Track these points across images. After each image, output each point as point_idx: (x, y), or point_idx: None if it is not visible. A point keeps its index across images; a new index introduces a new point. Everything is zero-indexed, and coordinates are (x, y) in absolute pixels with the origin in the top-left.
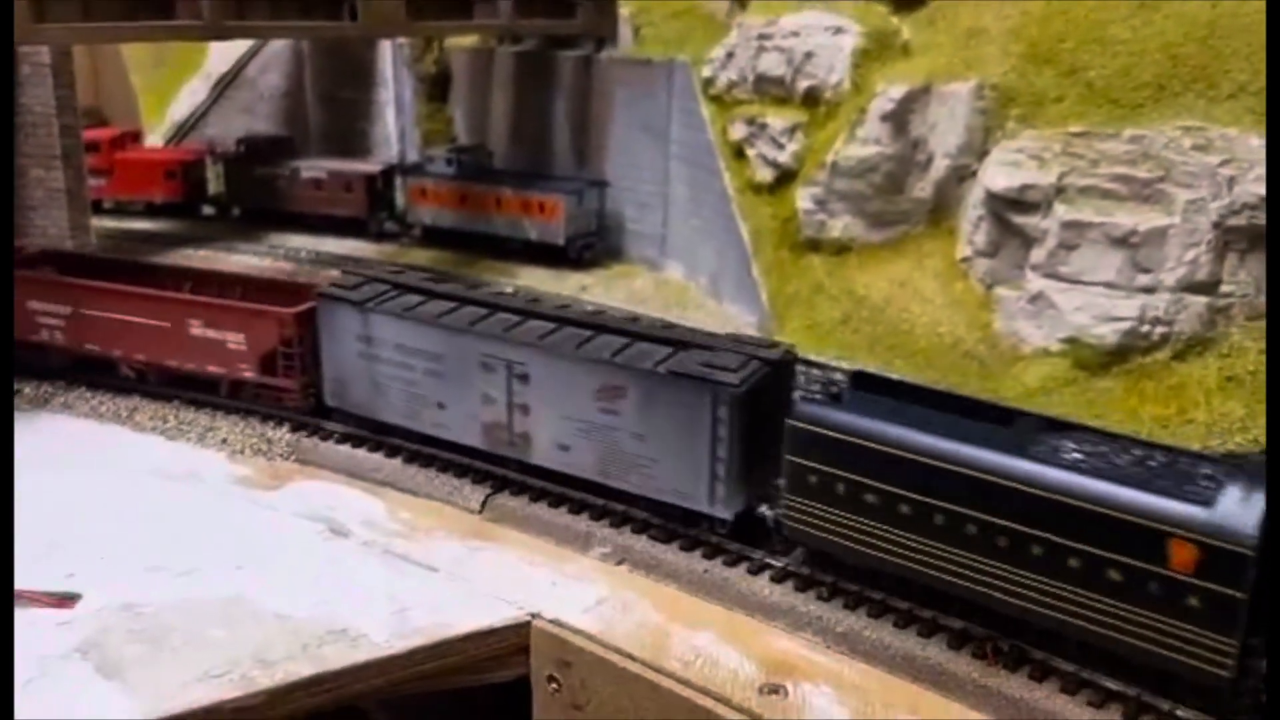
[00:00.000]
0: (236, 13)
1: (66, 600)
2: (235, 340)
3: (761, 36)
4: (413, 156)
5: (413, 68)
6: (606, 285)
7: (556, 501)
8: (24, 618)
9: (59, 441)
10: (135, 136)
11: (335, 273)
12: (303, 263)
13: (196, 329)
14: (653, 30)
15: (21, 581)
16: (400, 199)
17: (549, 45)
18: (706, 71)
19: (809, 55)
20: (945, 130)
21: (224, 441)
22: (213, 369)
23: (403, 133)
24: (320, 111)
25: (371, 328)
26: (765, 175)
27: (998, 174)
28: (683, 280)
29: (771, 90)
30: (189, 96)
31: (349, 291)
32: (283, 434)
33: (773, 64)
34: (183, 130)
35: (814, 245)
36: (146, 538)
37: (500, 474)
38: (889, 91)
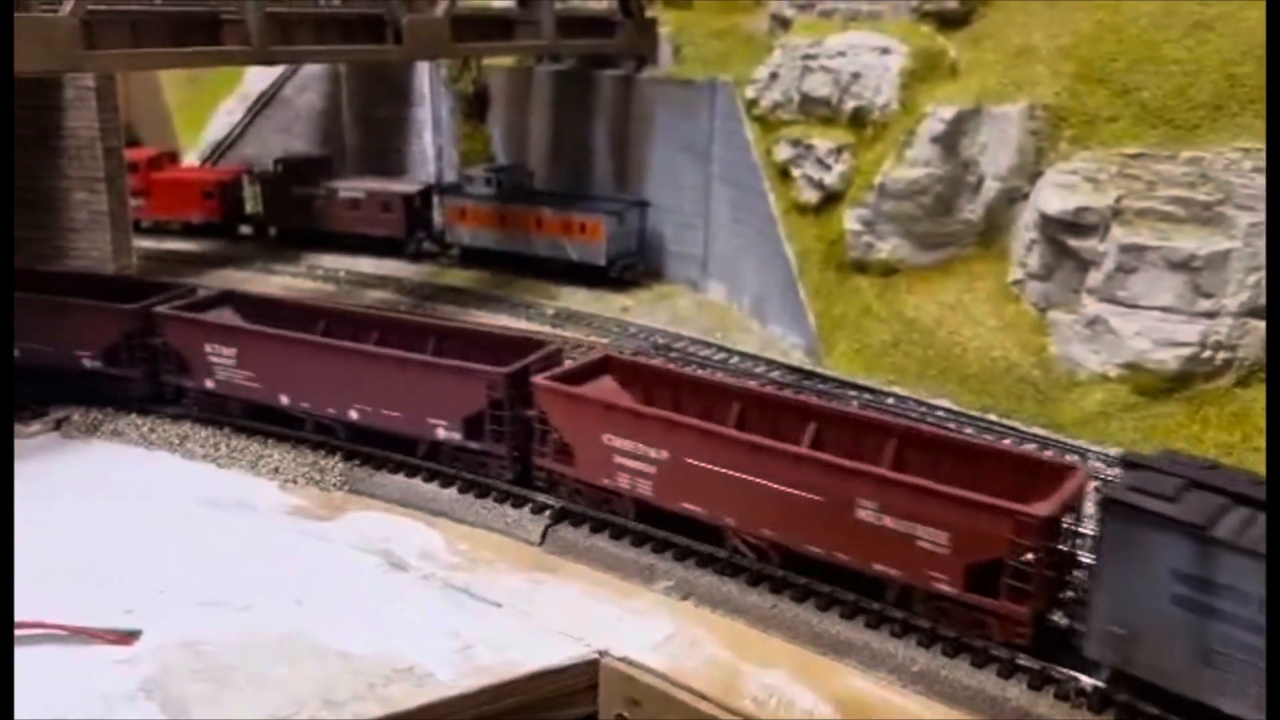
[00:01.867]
0: (282, 38)
1: (127, 637)
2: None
3: (806, 57)
4: (450, 176)
5: (450, 87)
6: (648, 306)
7: (618, 533)
8: (84, 654)
9: (109, 469)
10: (172, 157)
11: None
12: (341, 283)
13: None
14: (693, 50)
15: (79, 616)
16: (438, 219)
17: (589, 64)
18: (750, 92)
19: (856, 76)
20: (996, 151)
21: (276, 470)
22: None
23: (440, 151)
24: (357, 130)
25: (1216, 568)
26: (810, 196)
27: (1052, 196)
28: (724, 301)
29: (817, 111)
30: (225, 116)
31: (1166, 503)
32: (335, 463)
33: (818, 85)
34: (219, 150)
35: (861, 267)
36: (202, 570)
37: (559, 505)
38: (939, 112)
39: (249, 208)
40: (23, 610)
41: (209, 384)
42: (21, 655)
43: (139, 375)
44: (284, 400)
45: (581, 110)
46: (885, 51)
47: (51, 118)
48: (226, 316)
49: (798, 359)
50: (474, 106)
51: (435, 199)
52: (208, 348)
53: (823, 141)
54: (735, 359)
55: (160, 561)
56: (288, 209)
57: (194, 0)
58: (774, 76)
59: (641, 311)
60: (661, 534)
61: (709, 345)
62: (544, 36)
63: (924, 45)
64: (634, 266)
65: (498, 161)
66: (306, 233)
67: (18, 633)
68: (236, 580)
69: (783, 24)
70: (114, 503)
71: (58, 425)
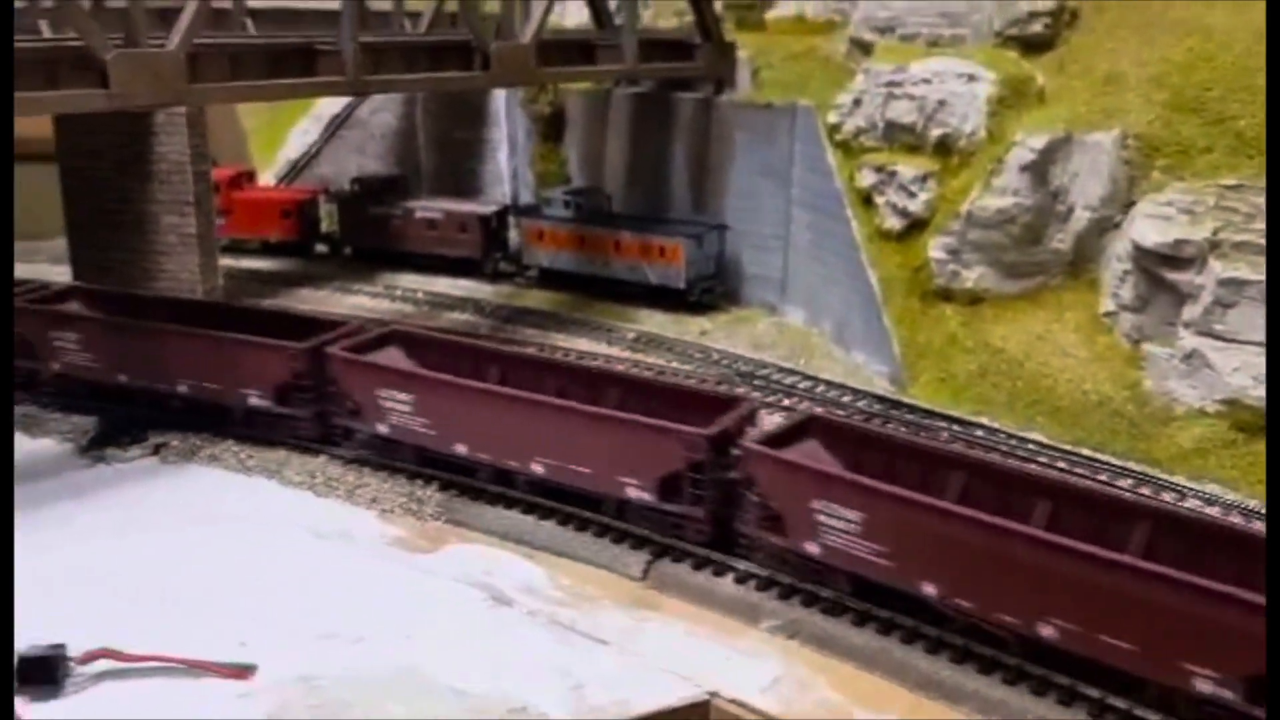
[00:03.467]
0: (374, 67)
1: (244, 671)
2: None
3: (891, 84)
4: (525, 197)
5: (527, 108)
6: (727, 330)
7: (720, 570)
8: (202, 688)
9: (209, 496)
10: (250, 176)
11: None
12: (420, 304)
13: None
14: (771, 73)
15: (193, 648)
16: (514, 240)
17: (666, 87)
18: (833, 117)
19: (942, 103)
20: (1087, 181)
21: (373, 500)
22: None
23: (515, 172)
24: (432, 151)
25: None
26: (894, 223)
27: (1147, 228)
28: (804, 326)
29: (901, 138)
30: (300, 136)
31: None
32: (432, 493)
33: (903, 111)
34: (295, 170)
35: (946, 295)
36: (311, 603)
37: (660, 540)
38: (1029, 141)
39: (325, 227)
40: (138, 641)
41: (382, 429)
42: (138, 688)
43: (308, 415)
44: (461, 450)
45: (659, 133)
46: (972, 79)
47: (144, 143)
48: (396, 357)
49: (882, 387)
50: (550, 128)
51: (511, 220)
52: (382, 392)
53: (907, 168)
54: (821, 387)
55: (268, 592)
56: (364, 228)
57: (289, 29)
58: (857, 102)
59: (720, 335)
60: (764, 572)
61: (793, 372)
62: (625, 61)
63: (1011, 72)
64: (712, 289)
65: (573, 183)
66: (382, 252)
67: (136, 665)
68: (345, 613)
69: (862, 48)
70: (217, 531)
71: (156, 450)
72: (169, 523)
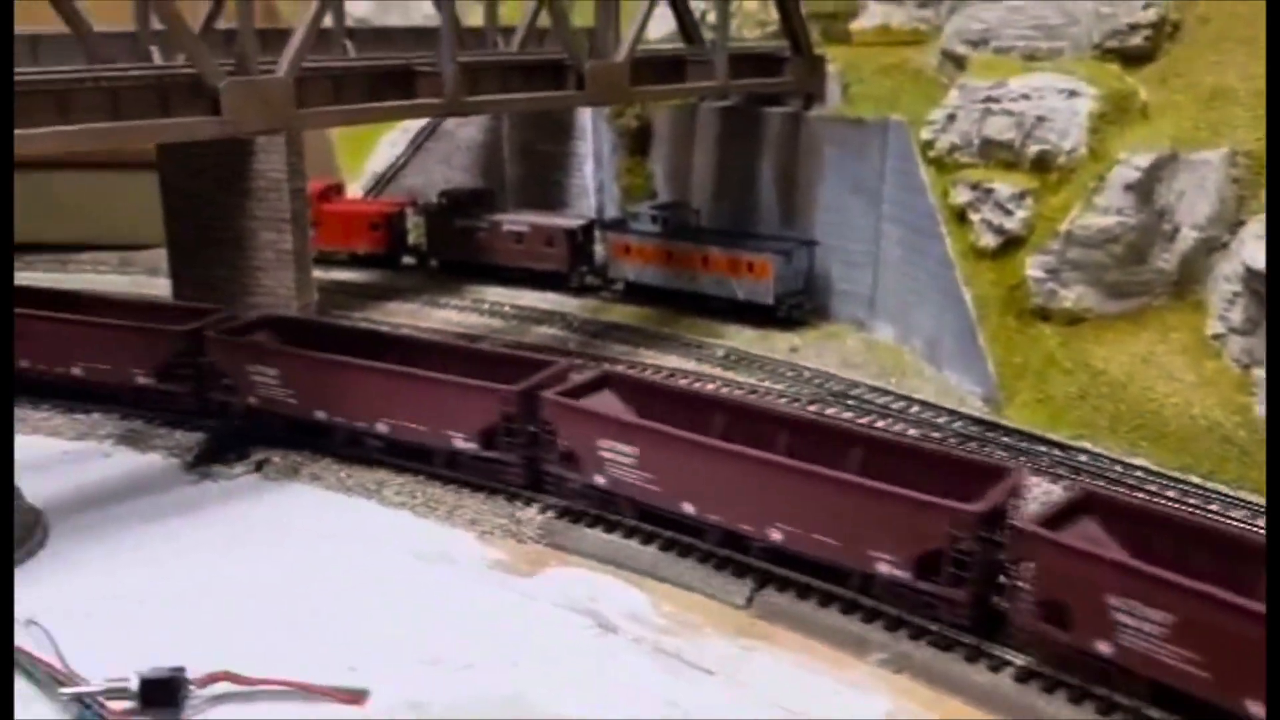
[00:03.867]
0: (471, 88)
1: (357, 696)
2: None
3: (988, 99)
4: (610, 210)
5: (613, 123)
6: (816, 347)
7: (825, 600)
8: (317, 713)
9: (311, 515)
10: (339, 189)
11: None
12: (507, 318)
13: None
14: (862, 87)
15: (303, 671)
16: (600, 253)
17: (754, 101)
18: (926, 133)
19: (1041, 119)
20: (1194, 199)
21: (472, 521)
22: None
23: (600, 186)
24: (517, 163)
25: None
26: (989, 241)
27: (1259, 249)
28: (894, 343)
29: (998, 154)
30: (388, 148)
31: None
32: (532, 515)
33: (1000, 128)
34: (381, 182)
35: (1043, 314)
36: (416, 626)
37: (764, 566)
38: (1133, 159)
39: (412, 239)
40: (250, 663)
41: (600, 480)
42: (255, 711)
43: (517, 462)
44: (689, 509)
45: (747, 147)
46: (1072, 94)
47: (243, 161)
48: (611, 403)
49: (976, 408)
50: (636, 142)
51: (597, 234)
52: (602, 442)
53: (1004, 186)
54: (915, 408)
55: (374, 615)
56: (451, 241)
57: (383, 49)
58: (951, 118)
59: (810, 352)
60: (870, 603)
61: (886, 392)
62: (717, 77)
63: (1114, 87)
64: (801, 305)
65: (659, 197)
66: (469, 265)
67: (254, 689)
68: (450, 637)
69: (954, 61)
70: (321, 550)
71: (259, 467)
72: (274, 541)
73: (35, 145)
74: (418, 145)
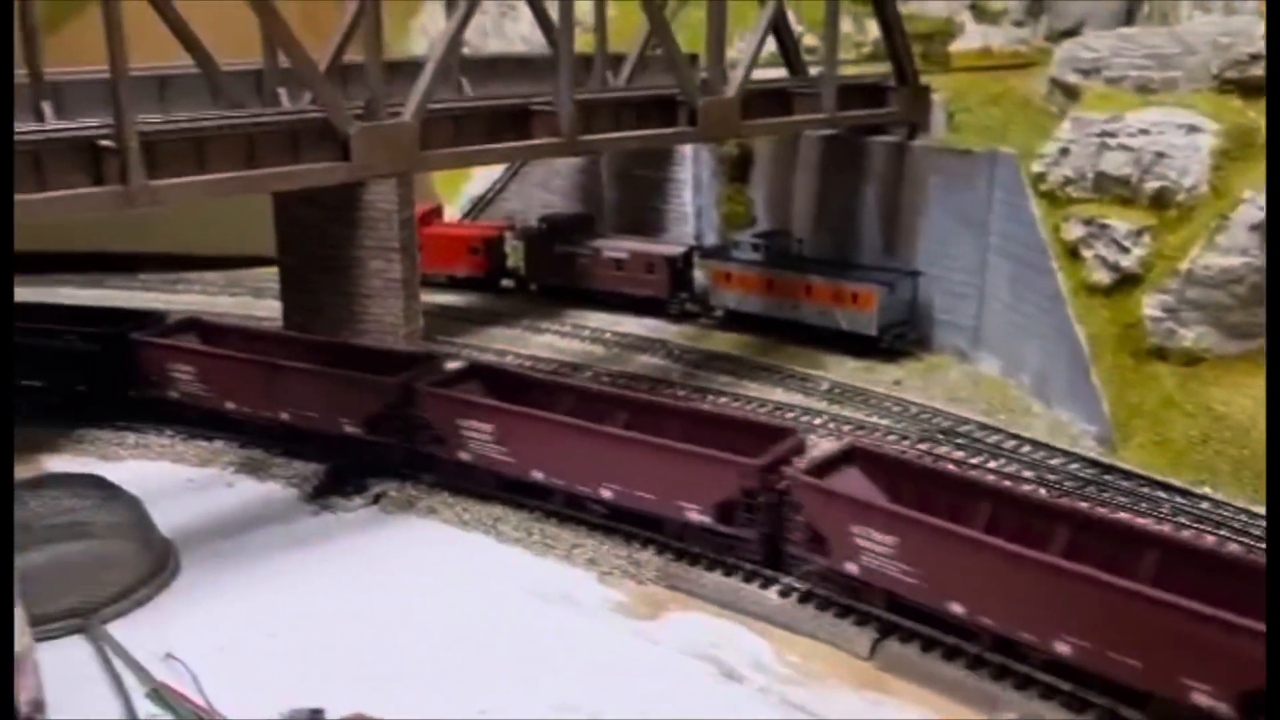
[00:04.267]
0: (585, 126)
1: None
2: None
3: (1104, 134)
4: (709, 237)
5: (713, 149)
6: (920, 380)
7: (950, 654)
8: None
9: (429, 550)
10: (438, 212)
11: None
12: (609, 345)
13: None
14: (968, 117)
15: (437, 711)
16: (699, 280)
17: (858, 130)
18: (1037, 166)
19: (1160, 155)
20: None
21: (591, 560)
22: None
23: (699, 212)
24: (615, 188)
25: None
26: (1103, 277)
27: None
28: (999, 377)
29: (1114, 190)
30: (486, 172)
31: None
32: (650, 556)
33: (1117, 163)
34: (480, 205)
35: (1160, 354)
36: (542, 669)
37: (886, 616)
38: (1258, 198)
39: (510, 263)
40: (379, 703)
41: (851, 568)
42: None
43: (757, 539)
44: (957, 609)
45: (849, 176)
46: (1193, 130)
47: (354, 191)
48: (859, 481)
49: (1089, 448)
50: (737, 169)
51: (697, 261)
52: (856, 529)
53: (1120, 222)
54: (1026, 447)
55: (499, 656)
56: (551, 266)
57: (491, 81)
58: (1064, 151)
59: (914, 386)
60: (998, 659)
61: (995, 430)
62: (825, 110)
63: (1235, 122)
64: (904, 336)
65: (759, 225)
66: (568, 290)
67: None
68: (576, 683)
69: (1064, 90)
70: (444, 587)
71: (376, 500)
72: (396, 577)
73: (176, 195)
74: (516, 169)
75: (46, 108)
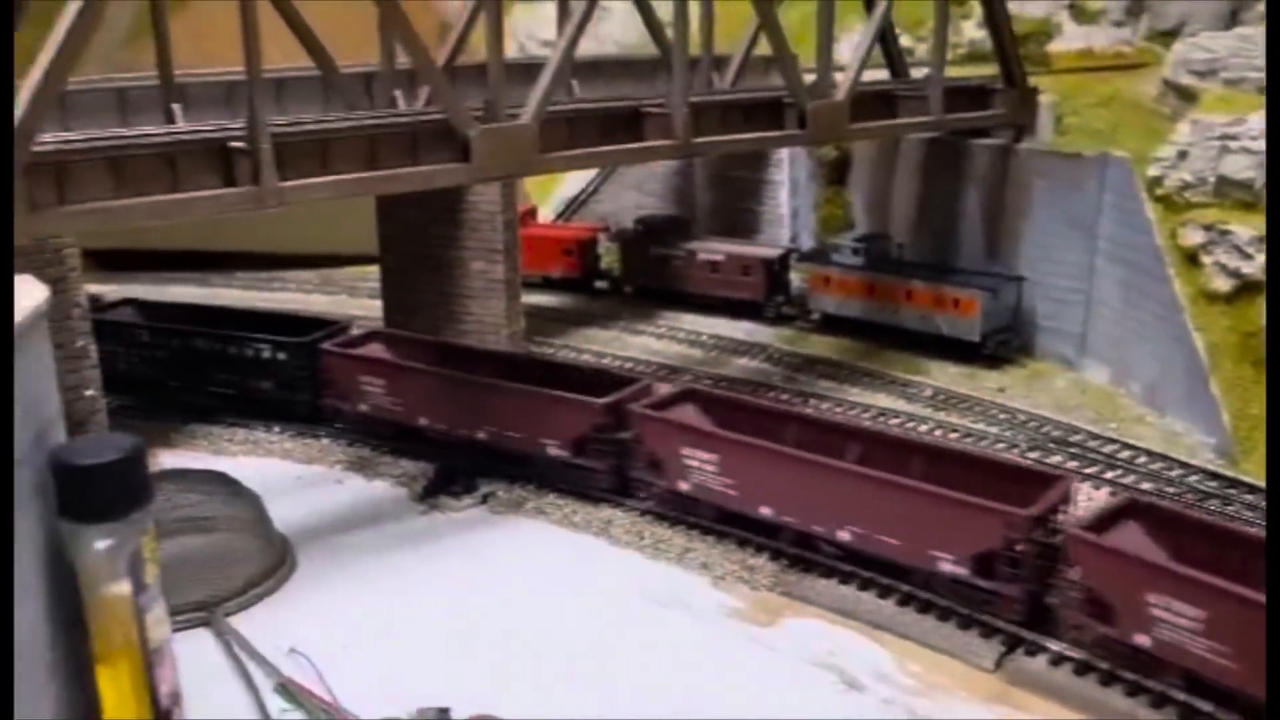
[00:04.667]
0: (695, 129)
1: None
2: None
3: (1225, 136)
4: (804, 239)
5: (811, 151)
6: (1025, 387)
7: (1081, 669)
8: None
9: (539, 551)
10: (532, 213)
11: None
12: (706, 348)
13: None
14: (1076, 119)
15: (560, 713)
16: (796, 283)
17: (960, 133)
18: (1153, 170)
19: None
20: None
21: (704, 565)
22: None
23: (795, 214)
24: (710, 190)
25: None
26: (1222, 285)
27: None
28: (1108, 385)
29: (1235, 194)
30: (579, 173)
31: None
32: (764, 562)
33: (1239, 167)
34: (573, 206)
35: None
36: (663, 675)
37: (1012, 630)
38: None
39: (603, 264)
40: (503, 705)
41: (1141, 640)
42: None
43: (1020, 596)
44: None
45: (951, 179)
46: None
47: (459, 193)
48: (1138, 539)
49: (1208, 460)
50: (834, 171)
51: (794, 264)
52: (1151, 597)
53: (1243, 228)
54: (1142, 458)
55: (619, 660)
56: (646, 267)
57: (597, 81)
58: (1182, 155)
59: (1019, 393)
60: (1132, 676)
61: (1109, 440)
62: (932, 112)
63: None
64: (1007, 343)
65: (857, 228)
66: (662, 292)
67: None
68: (698, 688)
69: (1179, 92)
70: (558, 587)
71: (484, 500)
72: (509, 578)
73: (304, 195)
74: (611, 170)
75: (176, 110)
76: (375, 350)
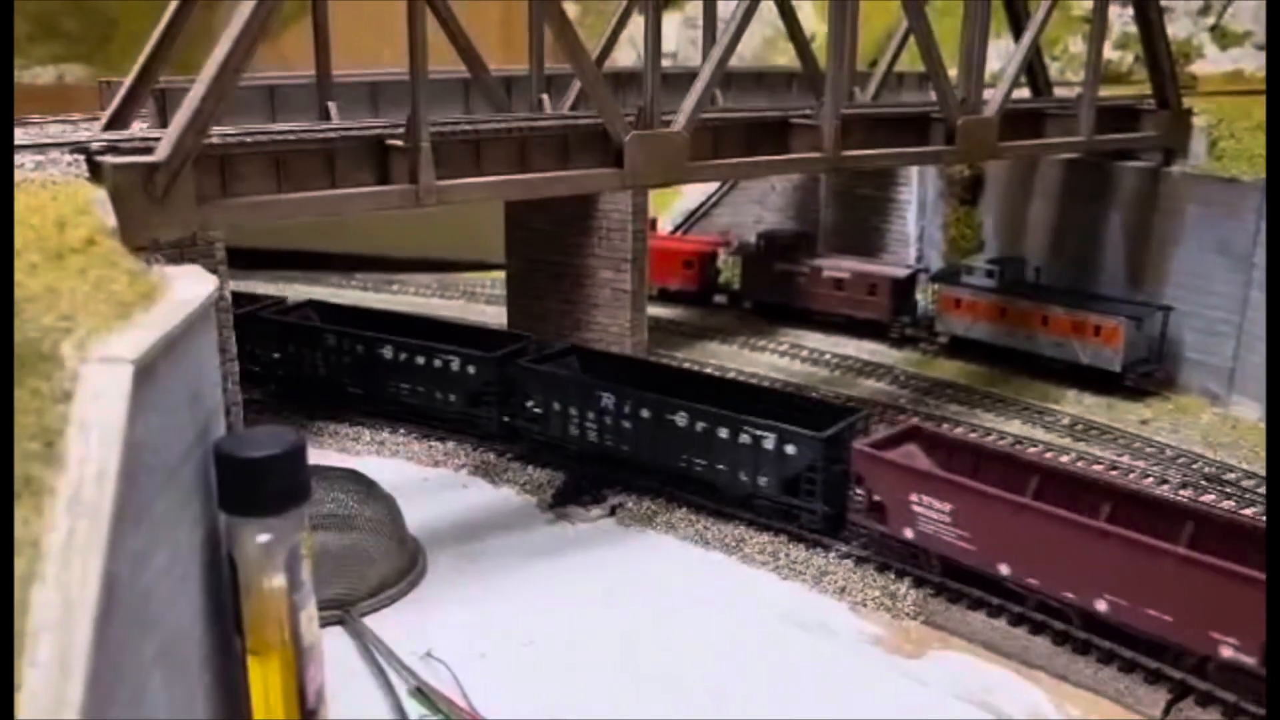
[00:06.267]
0: (842, 143)
1: None
2: None
3: None
4: (931, 259)
5: (941, 170)
6: (1169, 421)
7: None
8: None
9: (670, 567)
10: (652, 225)
11: None
12: (831, 368)
13: None
14: (1233, 144)
15: None
16: (923, 303)
17: (1104, 155)
18: None
19: None
20: None
21: (842, 590)
22: None
23: (922, 233)
24: (834, 206)
25: None
26: None
27: None
28: (1257, 422)
29: None
30: (701, 185)
31: None
32: (906, 589)
33: None
34: (692, 219)
35: None
36: (808, 701)
37: (1183, 678)
38: None
39: (722, 278)
40: None
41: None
42: None
43: None
44: None
45: (1094, 202)
46: None
47: (589, 201)
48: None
49: None
50: (966, 191)
51: (921, 284)
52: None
53: None
54: None
55: (760, 680)
56: (767, 283)
57: (732, 91)
58: None
59: (1164, 427)
60: None
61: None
62: (1082, 133)
63: None
64: (1150, 374)
65: (988, 250)
66: (783, 308)
67: None
68: (848, 717)
69: None
70: (692, 605)
71: (613, 511)
72: (642, 592)
73: (458, 195)
74: (733, 183)
75: (332, 107)
76: (914, 451)
